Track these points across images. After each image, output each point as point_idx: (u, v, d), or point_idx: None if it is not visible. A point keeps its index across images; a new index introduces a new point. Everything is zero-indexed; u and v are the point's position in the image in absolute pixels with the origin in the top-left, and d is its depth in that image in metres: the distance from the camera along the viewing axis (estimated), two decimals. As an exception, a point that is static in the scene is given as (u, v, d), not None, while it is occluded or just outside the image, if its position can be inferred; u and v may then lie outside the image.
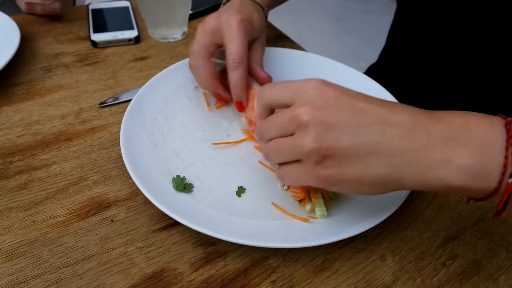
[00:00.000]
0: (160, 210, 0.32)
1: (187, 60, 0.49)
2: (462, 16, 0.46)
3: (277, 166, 0.31)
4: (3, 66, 0.46)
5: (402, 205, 0.34)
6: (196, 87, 0.46)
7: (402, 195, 0.34)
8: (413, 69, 0.55)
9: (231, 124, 0.43)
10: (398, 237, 0.34)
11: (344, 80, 0.48)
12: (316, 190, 0.34)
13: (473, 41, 0.46)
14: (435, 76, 0.52)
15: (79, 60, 0.53)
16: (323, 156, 0.27)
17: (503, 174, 0.24)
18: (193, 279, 0.30)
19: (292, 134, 0.28)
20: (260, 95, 0.32)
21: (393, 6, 0.59)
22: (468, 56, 0.47)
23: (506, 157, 0.24)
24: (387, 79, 0.54)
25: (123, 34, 0.56)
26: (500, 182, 0.24)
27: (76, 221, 0.34)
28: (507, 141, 0.24)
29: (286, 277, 0.31)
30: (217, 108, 0.44)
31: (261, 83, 0.42)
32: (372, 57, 0.67)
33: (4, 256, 0.31)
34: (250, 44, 0.42)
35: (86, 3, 0.70)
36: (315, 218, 0.33)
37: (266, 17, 0.47)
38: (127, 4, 0.64)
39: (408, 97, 0.50)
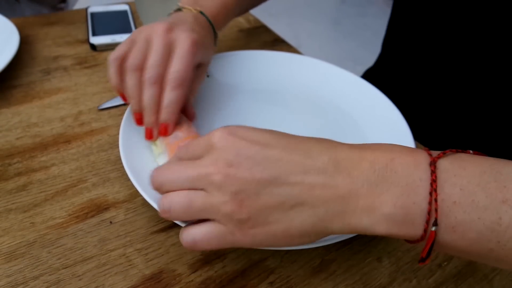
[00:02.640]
0: (158, 212, 0.32)
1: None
2: (458, 19, 0.46)
3: (182, 225, 0.28)
4: (2, 69, 0.46)
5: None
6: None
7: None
8: (410, 72, 0.56)
9: (231, 123, 0.43)
10: (394, 239, 0.34)
11: (341, 84, 0.49)
12: None
13: (470, 43, 0.47)
14: (432, 80, 0.53)
15: (78, 63, 0.53)
16: (246, 216, 0.24)
17: (427, 222, 0.23)
18: (192, 280, 0.31)
19: (201, 189, 0.26)
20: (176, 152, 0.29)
21: (390, 10, 0.59)
22: (465, 59, 0.48)
23: (429, 203, 0.22)
24: (383, 82, 0.54)
25: (122, 37, 0.57)
26: (425, 230, 0.23)
27: (75, 222, 0.34)
28: (431, 184, 0.23)
29: (283, 278, 0.31)
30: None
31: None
32: (369, 61, 0.68)
33: (3, 257, 0.31)
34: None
35: (77, 5, 0.70)
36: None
37: (215, 42, 0.43)
38: (126, 7, 0.65)
39: (404, 100, 0.51)
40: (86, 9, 0.63)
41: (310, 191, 0.24)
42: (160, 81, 0.35)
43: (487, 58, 0.46)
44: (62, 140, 0.41)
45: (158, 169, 0.28)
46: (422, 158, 0.24)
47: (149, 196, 0.32)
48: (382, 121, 0.43)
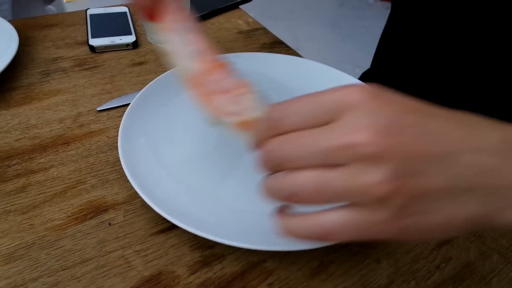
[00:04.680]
0: (157, 214, 0.32)
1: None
2: (456, 22, 0.47)
3: (306, 212, 0.22)
4: (1, 71, 0.46)
5: (397, 209, 0.34)
6: None
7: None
8: (406, 73, 0.56)
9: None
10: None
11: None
12: None
13: (468, 47, 0.47)
14: (429, 82, 0.53)
15: (77, 65, 0.53)
16: (406, 201, 0.19)
17: None
18: (191, 282, 0.31)
19: (334, 165, 0.20)
20: (270, 113, 0.22)
21: (389, 13, 0.60)
22: (462, 62, 0.48)
23: None
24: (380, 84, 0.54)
25: (121, 39, 0.57)
26: None
27: (73, 224, 0.34)
28: None
29: (282, 280, 0.31)
30: None
31: None
32: (367, 63, 0.68)
33: (1, 259, 0.31)
34: None
35: (77, 7, 0.71)
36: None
37: None
38: (125, 9, 0.65)
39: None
40: (85, 11, 0.64)
41: (483, 175, 0.20)
42: None
43: (483, 60, 0.46)
44: (61, 142, 0.41)
45: (272, 142, 0.21)
46: None
47: (148, 197, 0.32)
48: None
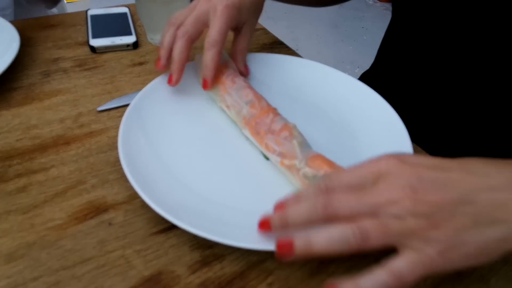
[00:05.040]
0: (157, 213, 0.32)
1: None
2: (456, 23, 0.47)
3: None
4: (2, 71, 0.46)
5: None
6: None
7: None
8: (407, 74, 0.56)
9: (231, 128, 0.43)
10: (392, 240, 0.35)
11: (338, 87, 0.49)
12: None
13: (469, 49, 0.47)
14: (429, 82, 0.53)
15: (77, 65, 0.53)
16: (445, 239, 0.25)
17: None
18: (191, 282, 0.31)
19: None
20: (327, 180, 0.28)
21: (388, 13, 0.60)
22: (462, 61, 0.48)
23: None
24: (380, 85, 0.55)
25: (121, 39, 0.57)
26: None
27: (74, 224, 0.34)
28: None
29: (282, 280, 0.31)
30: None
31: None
32: (367, 63, 0.68)
33: (2, 258, 0.31)
34: (238, 30, 0.46)
35: (77, 7, 0.71)
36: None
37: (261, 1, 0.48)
38: (126, 10, 0.65)
39: (401, 102, 0.51)
40: (86, 12, 0.64)
41: (500, 208, 0.25)
42: (188, 38, 0.41)
43: (484, 61, 0.46)
44: (61, 142, 0.42)
45: (329, 194, 0.27)
46: None
47: (148, 197, 0.33)
48: (380, 123, 0.43)
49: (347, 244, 0.26)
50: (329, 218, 0.27)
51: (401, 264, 0.26)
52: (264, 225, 0.30)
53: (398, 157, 0.27)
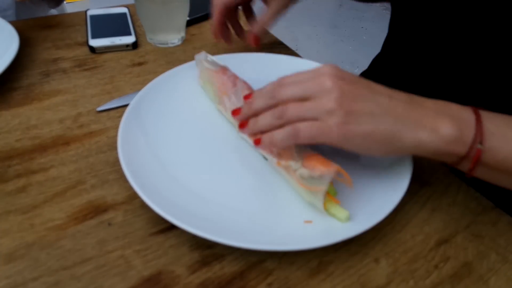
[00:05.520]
0: (157, 214, 0.32)
1: (184, 65, 0.50)
2: (456, 22, 0.47)
3: (286, 127, 0.34)
4: (2, 71, 0.46)
5: (396, 208, 0.34)
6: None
7: (396, 198, 0.35)
8: (406, 74, 0.56)
9: (230, 128, 0.43)
10: (391, 240, 0.35)
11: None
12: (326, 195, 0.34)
13: (468, 51, 0.47)
14: (428, 81, 0.53)
15: (77, 65, 0.53)
16: (344, 113, 0.32)
17: (473, 142, 0.32)
18: (190, 282, 0.31)
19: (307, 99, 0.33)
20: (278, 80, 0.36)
21: (388, 14, 0.60)
22: (462, 62, 0.48)
23: (476, 130, 0.32)
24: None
25: (120, 39, 0.57)
26: (470, 148, 0.32)
27: (74, 224, 0.34)
28: (476, 119, 0.33)
29: (282, 280, 0.31)
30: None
31: (248, 37, 0.53)
32: (367, 63, 0.68)
33: (2, 258, 0.31)
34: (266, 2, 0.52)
35: (76, 8, 0.71)
36: (309, 222, 0.34)
37: None
38: (125, 10, 0.65)
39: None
40: (85, 12, 0.64)
41: (395, 107, 0.33)
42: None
43: (485, 59, 0.46)
44: (61, 142, 0.42)
45: (275, 86, 0.36)
46: (466, 107, 0.34)
47: (148, 197, 0.33)
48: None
49: (274, 119, 0.35)
50: (273, 102, 0.36)
51: (302, 123, 0.33)
52: (235, 112, 0.40)
53: (335, 72, 0.34)
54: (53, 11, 0.80)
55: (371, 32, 2.28)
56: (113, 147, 0.41)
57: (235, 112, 0.40)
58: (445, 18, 0.48)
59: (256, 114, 0.37)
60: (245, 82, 0.44)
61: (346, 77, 0.33)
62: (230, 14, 0.53)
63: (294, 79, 0.35)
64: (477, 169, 0.33)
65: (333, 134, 0.32)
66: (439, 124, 0.32)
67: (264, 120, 0.36)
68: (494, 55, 0.45)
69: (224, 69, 0.45)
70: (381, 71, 0.62)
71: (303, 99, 0.34)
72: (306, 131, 0.32)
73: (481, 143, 0.32)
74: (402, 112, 0.32)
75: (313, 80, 0.34)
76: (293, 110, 0.33)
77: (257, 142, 0.37)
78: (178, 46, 0.59)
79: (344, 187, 0.35)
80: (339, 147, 0.33)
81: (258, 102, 0.37)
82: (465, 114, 0.33)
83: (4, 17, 0.56)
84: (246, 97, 0.40)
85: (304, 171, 0.34)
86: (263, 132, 0.36)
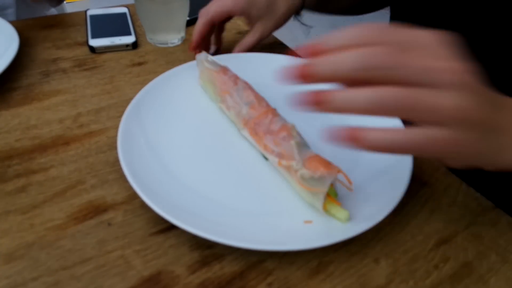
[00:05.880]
0: (157, 214, 0.32)
1: (184, 65, 0.50)
2: (454, 20, 0.47)
3: (422, 128, 0.25)
4: (1, 71, 0.46)
5: (396, 209, 0.34)
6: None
7: (396, 198, 0.35)
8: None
9: (230, 128, 0.43)
10: (391, 240, 0.35)
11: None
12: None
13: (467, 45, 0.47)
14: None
15: (77, 65, 0.53)
16: (484, 130, 0.25)
17: None
18: (190, 282, 0.31)
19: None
20: (377, 31, 0.26)
21: (388, 14, 0.60)
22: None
23: None
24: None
25: (120, 39, 0.57)
26: None
27: (73, 224, 0.34)
28: None
29: (281, 280, 0.31)
30: None
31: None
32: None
33: (2, 258, 0.31)
34: (251, 26, 0.52)
35: (76, 8, 0.71)
36: (309, 223, 0.34)
37: (297, 12, 0.54)
38: (125, 10, 0.65)
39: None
40: (85, 12, 0.64)
41: (502, 118, 0.27)
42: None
43: (484, 59, 0.46)
44: (61, 142, 0.42)
45: (386, 47, 0.24)
46: None
47: (148, 197, 0.33)
48: (378, 122, 0.43)
49: (381, 104, 0.24)
50: (378, 73, 0.24)
51: (421, 132, 0.25)
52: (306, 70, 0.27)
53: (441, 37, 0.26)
54: (53, 11, 0.80)
55: (371, 32, 2.27)
56: (113, 147, 0.41)
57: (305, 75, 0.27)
58: (444, 19, 0.48)
59: (328, 79, 0.26)
60: (246, 82, 0.44)
61: (463, 67, 0.25)
62: (212, 28, 0.53)
63: (400, 39, 0.25)
64: None
65: (466, 150, 0.26)
66: None
67: (369, 100, 0.24)
68: (492, 55, 0.45)
69: (224, 69, 0.45)
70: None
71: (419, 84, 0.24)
72: (435, 145, 0.25)
73: None
74: (505, 126, 0.27)
75: (440, 61, 0.24)
76: (407, 106, 0.24)
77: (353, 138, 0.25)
78: (178, 46, 0.59)
79: (347, 186, 0.35)
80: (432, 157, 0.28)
81: (344, 65, 0.25)
82: None
83: (4, 16, 0.56)
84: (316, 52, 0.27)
85: (305, 172, 0.34)
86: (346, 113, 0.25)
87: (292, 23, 0.56)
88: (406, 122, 0.27)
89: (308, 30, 0.51)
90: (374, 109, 0.24)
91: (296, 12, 0.55)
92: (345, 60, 0.25)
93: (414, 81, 0.24)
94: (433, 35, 0.25)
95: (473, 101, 0.24)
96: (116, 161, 0.39)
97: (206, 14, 0.50)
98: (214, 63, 0.45)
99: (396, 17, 0.57)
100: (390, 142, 0.25)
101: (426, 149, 0.25)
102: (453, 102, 0.24)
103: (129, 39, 0.57)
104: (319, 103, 0.25)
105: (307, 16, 0.58)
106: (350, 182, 0.34)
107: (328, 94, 0.25)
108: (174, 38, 0.59)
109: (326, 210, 0.34)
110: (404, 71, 0.24)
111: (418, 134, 0.25)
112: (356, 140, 0.25)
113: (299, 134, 0.37)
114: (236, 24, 0.67)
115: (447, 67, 0.24)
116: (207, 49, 0.55)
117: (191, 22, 0.65)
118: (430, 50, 0.25)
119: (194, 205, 0.34)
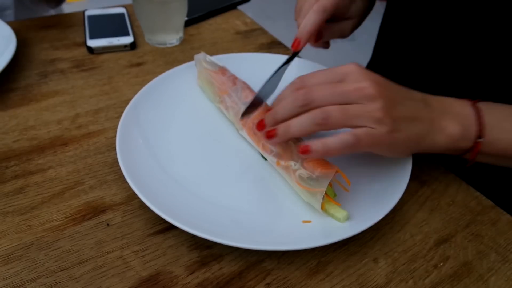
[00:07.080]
0: (155, 214, 0.32)
1: (182, 66, 0.50)
2: (451, 22, 0.47)
3: (342, 134, 0.32)
4: (-1, 72, 0.46)
5: (395, 208, 0.34)
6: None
7: (395, 197, 0.34)
8: (404, 72, 0.56)
9: (229, 128, 0.43)
10: (390, 239, 0.35)
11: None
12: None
13: (463, 46, 0.47)
14: (425, 79, 0.53)
15: (75, 66, 0.53)
16: (391, 122, 0.32)
17: (476, 137, 0.35)
18: (189, 282, 0.31)
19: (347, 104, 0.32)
20: (301, 81, 0.35)
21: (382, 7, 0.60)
22: (458, 58, 0.48)
23: (477, 126, 0.35)
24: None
25: (119, 40, 0.57)
26: (475, 142, 0.35)
27: (72, 225, 0.34)
28: (476, 114, 0.35)
29: (280, 280, 0.31)
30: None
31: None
32: (365, 63, 0.68)
33: (0, 260, 0.31)
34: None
35: (75, 8, 0.71)
36: (308, 223, 0.34)
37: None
38: (123, 10, 0.65)
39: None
40: (83, 12, 0.64)
41: (420, 110, 0.34)
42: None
43: (478, 59, 0.46)
44: (59, 143, 0.41)
45: (306, 89, 0.33)
46: (466, 102, 0.36)
47: (146, 198, 0.33)
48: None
49: (313, 124, 0.32)
50: (307, 106, 0.33)
51: (360, 131, 0.32)
52: (260, 125, 0.36)
53: (358, 66, 0.34)
54: (51, 12, 0.80)
55: (370, 32, 2.27)
56: (111, 147, 0.41)
57: (259, 126, 0.36)
58: (439, 17, 0.48)
59: (282, 122, 0.34)
60: (244, 82, 0.43)
61: (380, 82, 0.33)
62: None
63: (320, 80, 0.34)
64: (478, 157, 0.36)
65: (384, 142, 0.32)
66: (446, 124, 0.34)
67: (300, 125, 0.33)
68: (489, 55, 0.45)
69: (223, 70, 0.45)
70: (380, 70, 0.62)
71: (340, 104, 0.32)
72: (368, 139, 0.32)
73: (482, 136, 0.35)
74: (424, 115, 0.34)
75: (350, 84, 0.32)
76: (337, 115, 0.32)
77: (304, 151, 0.33)
78: (176, 46, 0.59)
79: (343, 187, 0.35)
80: (366, 151, 0.33)
81: (285, 110, 0.34)
82: (466, 110, 0.35)
83: (3, 17, 0.55)
84: (267, 110, 0.37)
85: (303, 172, 0.34)
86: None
87: (291, 23, 0.56)
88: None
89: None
90: (313, 127, 0.32)
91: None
92: (286, 106, 0.34)
93: (336, 102, 0.32)
94: (350, 65, 0.34)
95: (380, 102, 0.32)
96: (115, 161, 0.39)
97: (320, 6, 0.41)
98: (212, 64, 0.45)
99: (391, 12, 0.57)
100: (339, 144, 0.32)
101: (354, 146, 0.32)
102: (373, 109, 0.32)
103: (127, 40, 0.57)
104: (270, 137, 0.34)
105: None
106: (348, 183, 0.34)
107: (274, 129, 0.34)
108: (172, 38, 0.59)
109: (324, 210, 0.34)
110: (327, 98, 0.32)
111: (347, 134, 0.32)
112: (309, 152, 0.33)
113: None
114: (235, 24, 0.67)
115: (357, 87, 0.32)
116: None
117: (189, 23, 0.65)
118: (349, 77, 0.33)
119: (192, 206, 0.34)
